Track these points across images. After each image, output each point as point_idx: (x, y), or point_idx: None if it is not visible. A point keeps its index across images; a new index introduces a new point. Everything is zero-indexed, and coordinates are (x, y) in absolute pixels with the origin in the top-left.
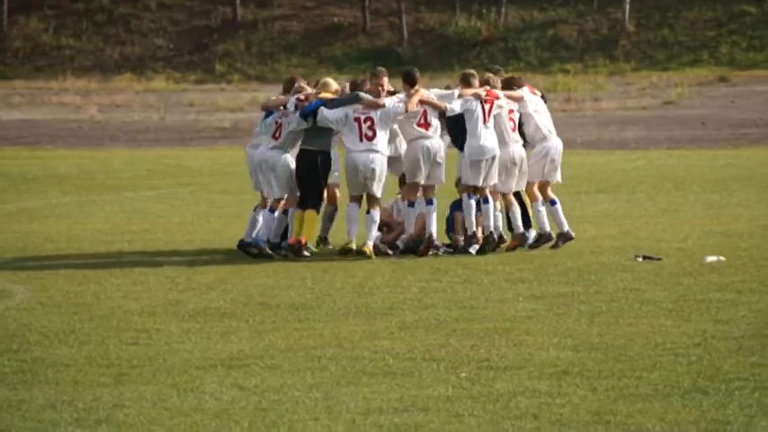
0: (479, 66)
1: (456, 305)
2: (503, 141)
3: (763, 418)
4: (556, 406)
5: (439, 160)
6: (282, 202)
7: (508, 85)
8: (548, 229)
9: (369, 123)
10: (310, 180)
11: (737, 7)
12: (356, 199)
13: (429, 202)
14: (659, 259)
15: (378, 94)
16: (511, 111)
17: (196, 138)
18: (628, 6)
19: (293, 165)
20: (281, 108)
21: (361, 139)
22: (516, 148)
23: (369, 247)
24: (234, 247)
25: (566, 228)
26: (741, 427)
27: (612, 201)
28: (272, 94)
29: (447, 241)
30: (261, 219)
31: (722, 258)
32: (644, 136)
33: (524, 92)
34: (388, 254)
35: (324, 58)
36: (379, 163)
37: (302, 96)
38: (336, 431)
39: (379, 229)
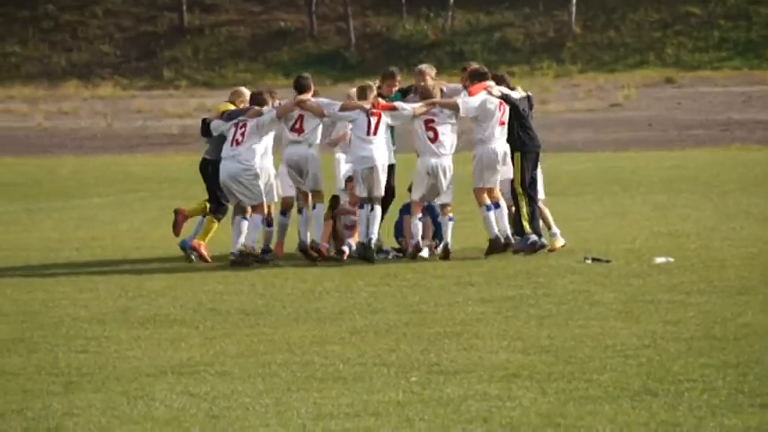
0: None
1: (406, 309)
2: (420, 152)
3: (713, 419)
4: (506, 409)
5: (308, 169)
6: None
7: (473, 77)
8: (494, 233)
9: (242, 130)
10: (207, 188)
11: (683, 8)
12: (237, 211)
13: (313, 207)
14: (608, 261)
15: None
16: (430, 121)
17: (144, 144)
18: (574, 9)
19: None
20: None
21: (231, 144)
22: (434, 159)
23: (244, 246)
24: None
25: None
26: (691, 428)
27: (560, 203)
28: (222, 100)
29: (396, 245)
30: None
31: (671, 259)
32: (591, 138)
33: (461, 98)
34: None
35: (271, 63)
36: (241, 172)
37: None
38: None
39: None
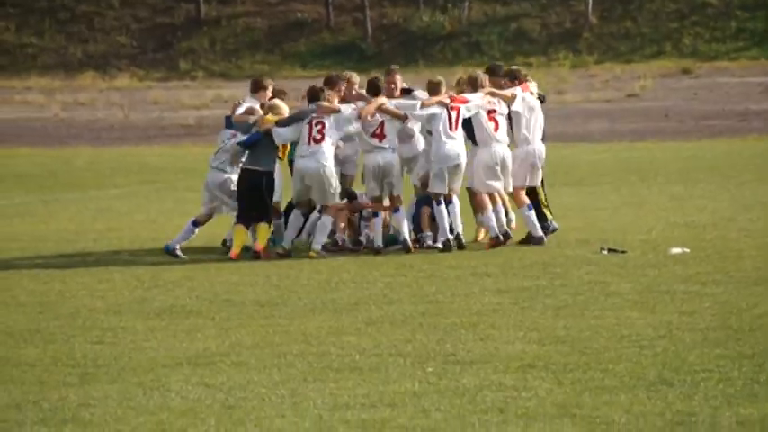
0: (443, 60)
1: (422, 300)
2: (485, 143)
3: (728, 408)
4: (522, 399)
5: (394, 174)
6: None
7: (513, 77)
8: (539, 233)
9: (319, 127)
10: (254, 200)
11: None
12: (301, 205)
13: (396, 210)
14: (624, 252)
15: (391, 93)
16: (492, 111)
17: (160, 135)
18: None
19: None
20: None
21: (308, 143)
22: (499, 148)
23: (314, 252)
24: (199, 244)
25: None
26: (706, 418)
27: (577, 193)
28: (239, 92)
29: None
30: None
31: (687, 250)
32: (608, 128)
33: (518, 91)
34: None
35: (288, 54)
36: (325, 171)
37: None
38: (303, 427)
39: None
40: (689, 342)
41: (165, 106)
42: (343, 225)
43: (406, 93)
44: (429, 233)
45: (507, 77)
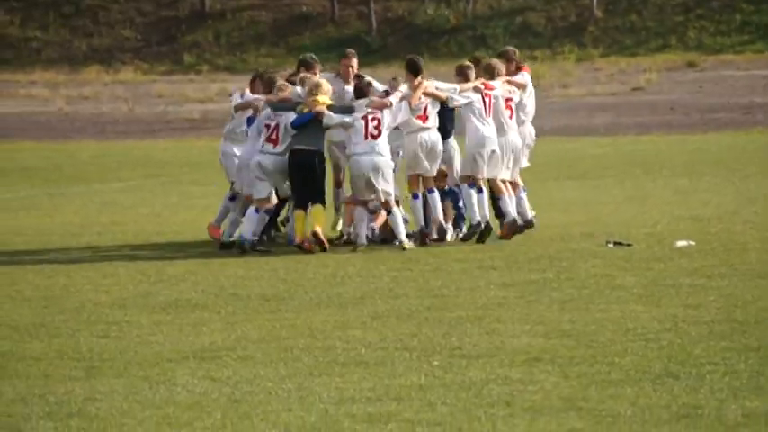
0: (448, 54)
1: (428, 294)
2: (501, 130)
3: (734, 401)
4: (528, 393)
5: (437, 151)
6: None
7: (505, 56)
8: (530, 215)
9: (375, 123)
10: (308, 180)
11: None
12: (364, 203)
13: (430, 191)
14: (629, 245)
15: (347, 76)
16: (509, 99)
17: (165, 129)
18: None
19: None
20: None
21: (366, 138)
22: (513, 136)
23: (405, 243)
24: (204, 237)
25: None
26: (712, 410)
27: (581, 187)
28: (239, 85)
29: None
30: (244, 217)
31: (692, 243)
32: (613, 122)
33: (526, 78)
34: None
35: (293, 47)
36: (384, 165)
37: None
38: (309, 421)
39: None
40: (694, 335)
41: (170, 100)
42: (349, 219)
43: (358, 78)
44: (434, 226)
45: (503, 57)
